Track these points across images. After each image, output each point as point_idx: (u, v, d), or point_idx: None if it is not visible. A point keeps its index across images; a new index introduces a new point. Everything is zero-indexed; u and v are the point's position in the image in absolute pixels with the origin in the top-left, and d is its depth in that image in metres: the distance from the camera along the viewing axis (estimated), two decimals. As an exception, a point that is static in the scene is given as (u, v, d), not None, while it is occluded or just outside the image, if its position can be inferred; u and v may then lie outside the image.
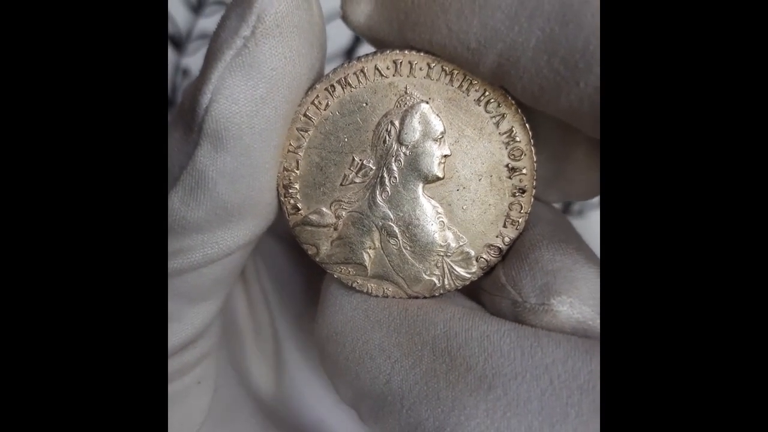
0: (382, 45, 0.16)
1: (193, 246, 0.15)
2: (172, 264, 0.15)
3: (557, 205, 0.32)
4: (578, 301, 0.15)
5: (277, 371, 0.23)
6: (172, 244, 0.15)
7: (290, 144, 0.16)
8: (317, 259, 0.17)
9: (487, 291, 0.17)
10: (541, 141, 0.16)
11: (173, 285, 0.16)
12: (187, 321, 0.17)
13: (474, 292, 0.18)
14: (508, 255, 0.17)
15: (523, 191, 0.16)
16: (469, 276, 0.17)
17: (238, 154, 0.14)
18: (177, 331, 0.17)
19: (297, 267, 0.23)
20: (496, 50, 0.14)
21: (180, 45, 0.31)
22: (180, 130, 0.15)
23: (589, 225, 0.32)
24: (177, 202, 0.15)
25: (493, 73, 0.15)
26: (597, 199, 0.32)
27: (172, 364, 0.18)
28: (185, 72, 0.31)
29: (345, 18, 0.16)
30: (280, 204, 0.17)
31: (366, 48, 0.32)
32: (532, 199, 0.16)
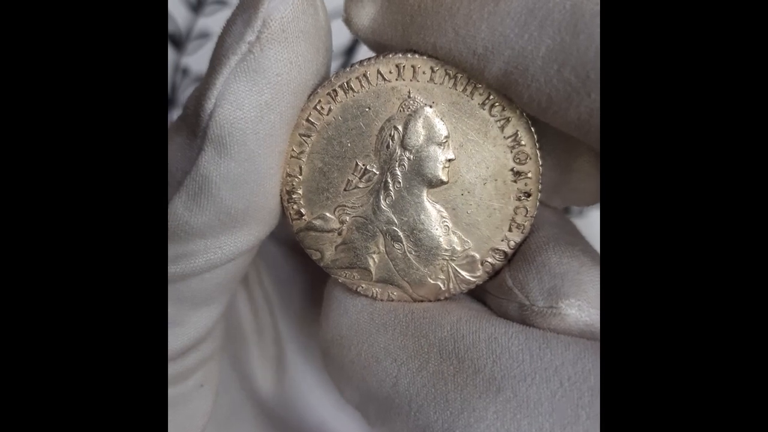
0: (383, 49, 0.16)
1: (196, 251, 0.15)
2: (176, 269, 0.15)
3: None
4: (586, 303, 0.15)
5: (279, 374, 0.23)
6: (176, 249, 0.15)
7: (293, 149, 0.16)
8: (322, 264, 0.17)
9: (492, 294, 0.17)
10: (544, 151, 0.16)
11: (176, 290, 0.16)
12: (190, 325, 0.17)
13: (479, 294, 0.18)
14: (513, 258, 0.17)
15: (528, 195, 0.16)
16: (474, 280, 0.17)
17: (242, 160, 0.14)
18: (180, 335, 0.17)
19: (298, 271, 0.23)
20: (504, 57, 0.14)
21: (179, 44, 0.31)
22: (184, 134, 0.14)
23: (590, 225, 0.32)
24: (180, 207, 0.15)
25: (498, 81, 0.15)
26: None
27: (175, 368, 0.17)
28: (185, 71, 0.31)
29: (348, 21, 0.16)
30: (283, 209, 0.16)
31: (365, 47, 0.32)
32: (538, 203, 0.16)
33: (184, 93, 0.31)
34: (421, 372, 0.15)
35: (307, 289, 0.23)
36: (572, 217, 0.33)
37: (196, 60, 0.31)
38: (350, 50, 0.31)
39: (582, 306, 0.15)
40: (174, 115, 0.31)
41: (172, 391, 0.18)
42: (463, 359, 0.14)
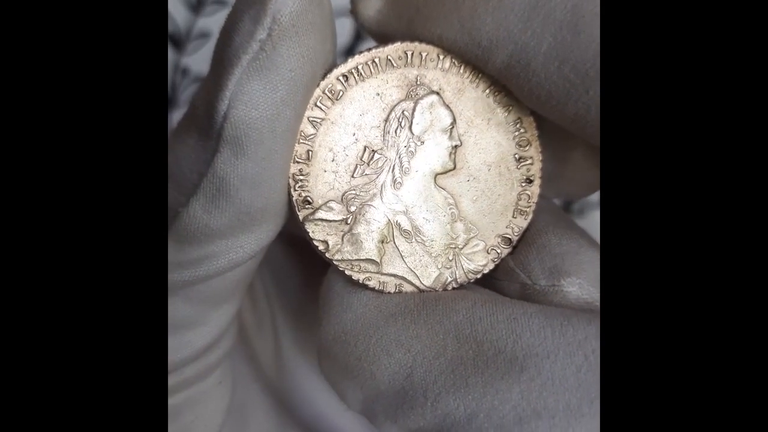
0: (387, 41, 0.16)
1: (217, 252, 0.15)
2: (198, 271, 0.15)
3: (558, 203, 0.32)
4: (586, 282, 0.15)
5: (277, 367, 0.23)
6: (197, 252, 0.15)
7: (301, 133, 0.16)
8: (328, 256, 0.16)
9: (493, 277, 0.17)
10: (541, 141, 0.17)
11: (198, 291, 0.16)
12: (211, 324, 0.17)
13: (481, 279, 0.17)
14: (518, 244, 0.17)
15: (530, 181, 0.17)
16: (480, 269, 0.17)
17: (259, 159, 0.14)
18: (203, 335, 0.17)
19: (295, 265, 0.23)
20: (507, 51, 0.14)
21: (179, 44, 0.31)
22: (194, 136, 0.14)
23: (589, 225, 0.32)
24: (199, 210, 0.14)
25: (501, 73, 0.15)
26: (597, 200, 0.32)
27: (197, 367, 0.17)
28: (185, 71, 0.31)
29: (355, 12, 0.16)
30: (289, 198, 0.16)
31: (365, 46, 0.32)
32: (539, 189, 0.17)
33: (184, 93, 0.31)
34: (438, 359, 0.14)
35: (304, 285, 0.23)
36: (571, 217, 0.33)
37: (196, 60, 0.31)
38: (350, 50, 0.32)
39: (582, 284, 0.15)
40: (174, 115, 0.31)
41: (193, 390, 0.18)
42: (482, 342, 0.14)
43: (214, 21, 0.31)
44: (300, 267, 0.23)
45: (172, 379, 0.17)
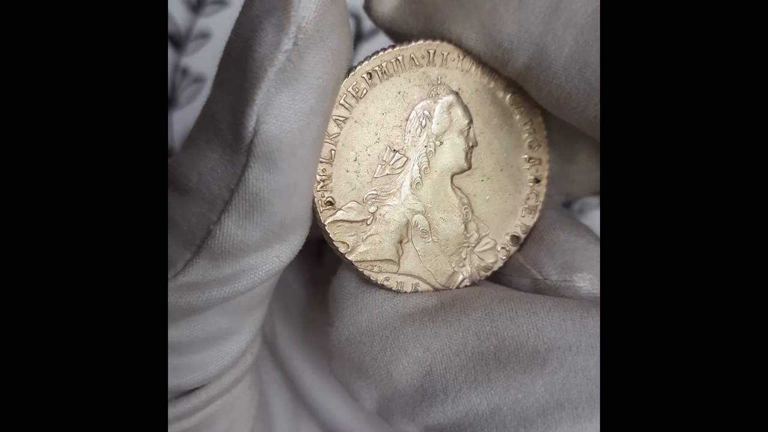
0: (401, 38, 0.16)
1: (254, 265, 0.15)
2: (237, 286, 0.15)
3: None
4: (596, 277, 0.15)
5: (275, 363, 0.23)
6: (233, 267, 0.14)
7: (326, 133, 0.15)
8: (348, 257, 0.16)
9: (502, 273, 0.17)
10: (547, 141, 0.17)
11: (236, 303, 0.15)
12: (245, 330, 0.16)
13: (491, 276, 0.18)
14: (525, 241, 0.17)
15: (538, 181, 0.17)
16: (491, 266, 0.17)
17: (292, 171, 0.13)
18: (238, 342, 0.16)
19: (294, 262, 0.23)
20: (528, 53, 0.14)
21: (179, 44, 0.31)
22: (218, 150, 0.13)
23: (589, 225, 0.32)
24: (232, 227, 0.14)
25: (521, 75, 0.15)
26: (597, 201, 0.32)
27: (234, 374, 0.17)
28: (185, 71, 0.31)
29: (368, 8, 0.16)
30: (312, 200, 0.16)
31: (365, 46, 0.32)
32: (546, 189, 0.17)
33: (184, 93, 0.31)
34: (459, 356, 0.14)
35: (303, 283, 0.23)
36: (572, 217, 0.33)
37: (196, 60, 0.31)
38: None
39: (593, 279, 0.15)
40: (174, 115, 0.31)
41: (228, 397, 0.17)
42: (503, 337, 0.14)
43: (214, 21, 0.31)
44: (299, 265, 0.23)
45: (211, 390, 0.17)
